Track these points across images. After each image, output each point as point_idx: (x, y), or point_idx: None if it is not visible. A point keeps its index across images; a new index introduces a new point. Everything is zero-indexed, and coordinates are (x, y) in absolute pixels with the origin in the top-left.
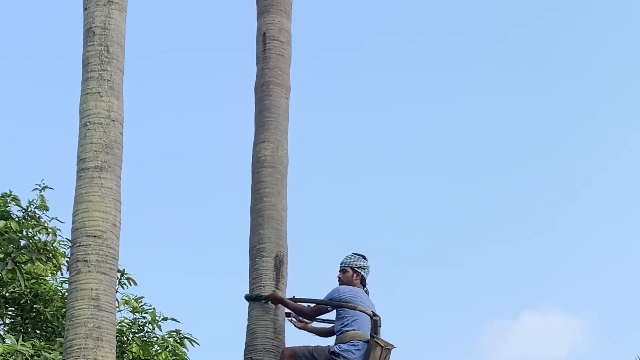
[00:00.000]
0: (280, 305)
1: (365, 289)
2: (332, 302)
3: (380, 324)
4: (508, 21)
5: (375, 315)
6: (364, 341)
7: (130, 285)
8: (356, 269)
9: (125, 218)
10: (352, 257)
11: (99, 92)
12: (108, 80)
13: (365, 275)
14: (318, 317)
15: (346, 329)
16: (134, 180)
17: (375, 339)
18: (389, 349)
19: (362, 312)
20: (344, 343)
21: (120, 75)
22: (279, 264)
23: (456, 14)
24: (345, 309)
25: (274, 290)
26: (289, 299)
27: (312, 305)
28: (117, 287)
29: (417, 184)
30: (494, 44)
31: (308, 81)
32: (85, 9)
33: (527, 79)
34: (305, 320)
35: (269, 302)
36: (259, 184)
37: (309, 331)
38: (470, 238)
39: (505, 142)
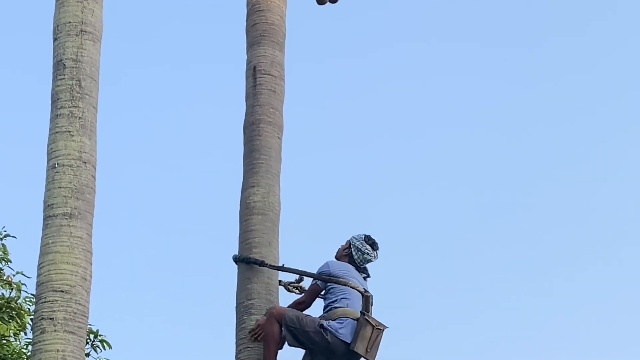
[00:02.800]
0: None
1: (363, 274)
2: (322, 277)
3: (372, 302)
4: None
5: (366, 292)
6: (353, 319)
7: (105, 349)
8: (351, 246)
9: (97, 270)
10: (358, 235)
11: (70, 131)
12: (80, 117)
13: (357, 257)
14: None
15: (336, 305)
16: (107, 229)
17: (366, 317)
18: (380, 329)
19: (353, 288)
20: (332, 320)
21: (93, 112)
22: None
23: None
24: (335, 284)
25: (263, 261)
26: (278, 266)
27: (303, 295)
28: (87, 349)
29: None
30: None
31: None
32: (55, 39)
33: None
34: (302, 287)
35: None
36: (247, 233)
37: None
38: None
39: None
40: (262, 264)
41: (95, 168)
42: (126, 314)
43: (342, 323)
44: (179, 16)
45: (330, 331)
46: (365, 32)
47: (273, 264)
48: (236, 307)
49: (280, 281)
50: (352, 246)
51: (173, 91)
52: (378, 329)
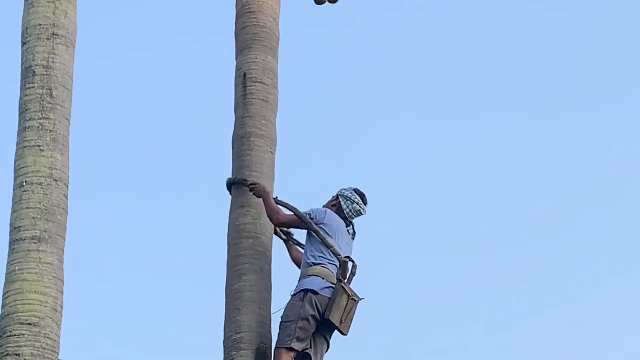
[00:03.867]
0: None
1: (349, 229)
2: (310, 223)
3: (354, 271)
4: None
5: (348, 258)
6: (328, 281)
7: None
8: (339, 196)
9: (68, 298)
10: (348, 187)
11: (39, 146)
12: (50, 130)
13: (345, 206)
14: (285, 230)
15: (315, 261)
16: (80, 254)
17: (342, 284)
18: (355, 299)
19: (334, 254)
20: (309, 276)
21: (65, 124)
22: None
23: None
24: (318, 238)
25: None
26: (273, 198)
27: (290, 212)
28: None
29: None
30: None
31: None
32: (23, 43)
33: None
34: (290, 234)
35: (252, 192)
36: (236, 258)
37: (288, 251)
38: None
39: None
40: (249, 185)
41: (67, 186)
42: (100, 343)
43: (315, 279)
44: (161, 15)
45: (309, 290)
46: (367, 35)
47: (263, 300)
48: (223, 341)
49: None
50: (340, 196)
51: (154, 100)
52: (353, 299)
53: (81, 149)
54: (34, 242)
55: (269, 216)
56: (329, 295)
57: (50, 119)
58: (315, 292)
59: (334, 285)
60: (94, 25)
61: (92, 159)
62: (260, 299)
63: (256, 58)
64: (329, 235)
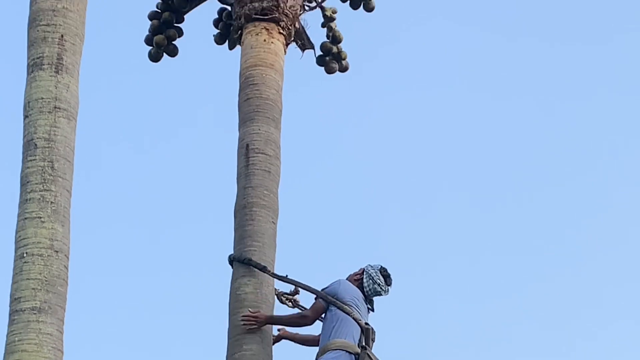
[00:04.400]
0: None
1: (368, 306)
2: (327, 297)
3: (374, 337)
4: None
5: (367, 325)
6: (350, 352)
7: None
8: (364, 272)
9: None
10: (375, 264)
11: (40, 217)
12: (52, 202)
13: (367, 285)
14: (290, 297)
15: (336, 333)
16: (80, 324)
17: (367, 352)
18: None
19: (355, 320)
20: (329, 351)
21: (67, 196)
22: None
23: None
24: (338, 309)
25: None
26: (282, 277)
27: (307, 310)
28: None
29: None
30: None
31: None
32: (25, 116)
33: None
34: (297, 301)
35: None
36: (237, 327)
37: (288, 339)
38: None
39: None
40: (263, 269)
41: (68, 258)
42: None
43: (337, 354)
44: (164, 88)
45: None
46: (375, 105)
47: (266, 356)
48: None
49: (275, 289)
50: (365, 273)
51: (154, 170)
52: None
53: (82, 220)
54: (34, 313)
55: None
56: None
57: (52, 191)
58: None
59: (353, 354)
60: (98, 97)
61: (93, 230)
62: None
63: (259, 129)
64: (347, 304)
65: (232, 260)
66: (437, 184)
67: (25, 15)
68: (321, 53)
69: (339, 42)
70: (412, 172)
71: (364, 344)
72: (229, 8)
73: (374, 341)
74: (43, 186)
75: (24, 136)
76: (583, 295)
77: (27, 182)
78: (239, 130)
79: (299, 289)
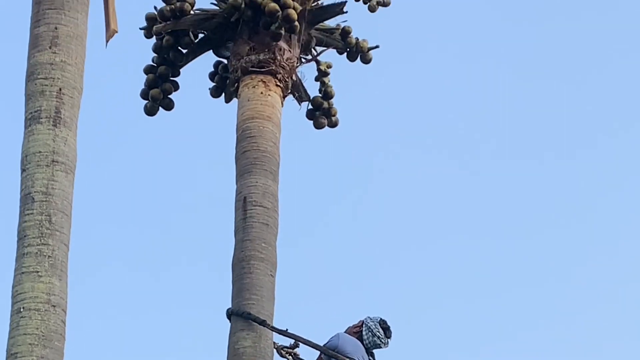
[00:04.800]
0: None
1: (370, 358)
2: (328, 351)
3: None
4: None
5: None
6: None
7: None
8: (363, 325)
9: None
10: (374, 317)
11: (37, 271)
12: (49, 256)
13: (367, 338)
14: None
15: None
16: None
17: None
18: None
19: None
20: None
21: (64, 250)
22: None
23: None
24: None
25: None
26: (282, 330)
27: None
28: None
29: None
30: None
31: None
32: (23, 170)
33: None
34: (297, 354)
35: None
36: None
37: None
38: None
39: None
40: (262, 322)
41: (65, 312)
42: None
43: None
44: (160, 141)
45: None
46: (366, 159)
47: None
48: None
49: (274, 343)
50: (364, 325)
51: (152, 222)
52: None
53: (79, 274)
54: None
55: None
56: None
57: (49, 244)
58: None
59: None
60: (95, 150)
61: (90, 285)
62: None
63: (257, 182)
64: (348, 356)
65: (230, 314)
66: (434, 236)
67: (23, 68)
68: (311, 107)
69: (331, 97)
70: (410, 225)
71: None
72: (225, 61)
73: None
74: (40, 240)
75: (22, 190)
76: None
77: (25, 235)
78: (237, 183)
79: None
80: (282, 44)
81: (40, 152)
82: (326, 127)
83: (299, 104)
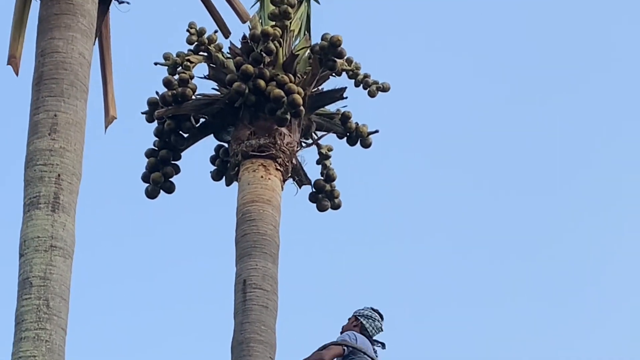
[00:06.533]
0: None
1: (374, 347)
2: (347, 343)
3: None
4: None
5: None
6: None
7: None
8: (359, 316)
9: None
10: (364, 307)
11: (35, 356)
12: (46, 341)
13: (368, 325)
14: None
15: None
16: None
17: None
18: None
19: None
20: None
21: (62, 335)
22: None
23: None
24: (364, 354)
25: None
26: None
27: (327, 351)
28: None
29: None
30: None
31: None
32: (21, 255)
33: None
34: None
35: None
36: None
37: None
38: None
39: None
40: None
41: None
42: None
43: None
44: (161, 223)
45: None
46: (368, 236)
47: None
48: None
49: None
50: (361, 317)
51: (151, 304)
52: None
53: (78, 355)
54: None
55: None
56: None
57: (47, 329)
58: None
59: None
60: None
61: None
62: None
63: (256, 265)
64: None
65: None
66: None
67: (22, 154)
68: (314, 190)
69: (333, 180)
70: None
71: None
72: (225, 145)
73: None
74: (38, 325)
75: (20, 274)
76: None
77: (22, 320)
78: (236, 265)
79: None
80: (283, 129)
81: (38, 237)
82: (329, 209)
83: (299, 188)
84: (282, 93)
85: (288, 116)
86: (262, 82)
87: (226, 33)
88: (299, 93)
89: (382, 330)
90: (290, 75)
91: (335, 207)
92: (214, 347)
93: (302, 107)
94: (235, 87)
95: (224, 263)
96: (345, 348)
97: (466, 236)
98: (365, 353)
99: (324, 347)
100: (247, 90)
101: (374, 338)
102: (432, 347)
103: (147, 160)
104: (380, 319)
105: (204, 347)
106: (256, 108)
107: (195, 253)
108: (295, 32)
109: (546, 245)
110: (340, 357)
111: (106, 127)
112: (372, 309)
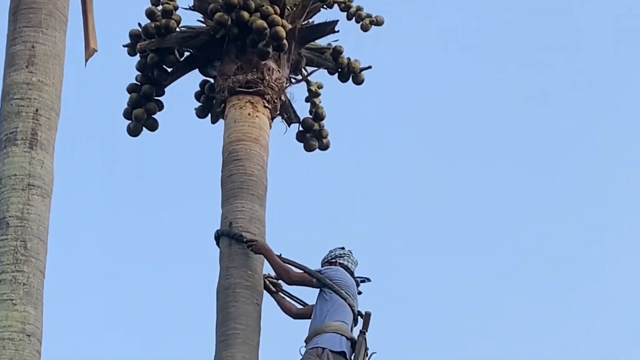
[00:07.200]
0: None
1: (356, 281)
2: (324, 279)
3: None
4: None
5: (361, 312)
6: (346, 337)
7: None
8: (333, 260)
9: None
10: (333, 249)
11: (12, 299)
12: (24, 284)
13: (346, 263)
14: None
15: (332, 317)
16: None
17: (365, 337)
18: (367, 352)
19: (350, 305)
20: (325, 333)
21: (40, 278)
22: None
23: None
24: (334, 292)
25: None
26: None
27: (299, 270)
28: None
29: None
30: None
31: None
32: None
33: None
34: (280, 285)
35: (250, 249)
36: None
37: (279, 304)
38: None
39: None
40: (254, 248)
41: (40, 342)
42: None
43: (333, 337)
44: (143, 162)
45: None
46: (358, 180)
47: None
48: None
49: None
50: (337, 257)
51: (134, 245)
52: (367, 349)
53: (55, 302)
54: None
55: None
56: (344, 349)
57: (24, 271)
58: (332, 351)
59: (348, 339)
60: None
61: (67, 312)
62: None
63: (243, 207)
64: (343, 290)
65: (218, 236)
66: (430, 256)
67: None
68: (301, 129)
69: (322, 119)
70: (404, 246)
71: (363, 329)
72: (211, 80)
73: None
74: (15, 267)
75: None
76: None
77: None
78: (222, 207)
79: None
80: (271, 63)
81: (15, 175)
82: (317, 149)
83: (288, 126)
84: (265, 24)
85: (270, 49)
86: (245, 14)
87: None
88: (283, 26)
89: (357, 264)
90: (277, 7)
91: (324, 147)
92: (199, 292)
93: (285, 41)
94: (217, 18)
95: (210, 205)
96: (315, 280)
97: (466, 175)
98: (341, 290)
99: (301, 269)
100: (229, 22)
101: (357, 276)
102: (423, 343)
103: (129, 95)
104: (350, 252)
105: (188, 291)
106: (242, 41)
107: (179, 194)
108: None
109: (545, 242)
110: (308, 286)
111: (86, 60)
112: (339, 247)
